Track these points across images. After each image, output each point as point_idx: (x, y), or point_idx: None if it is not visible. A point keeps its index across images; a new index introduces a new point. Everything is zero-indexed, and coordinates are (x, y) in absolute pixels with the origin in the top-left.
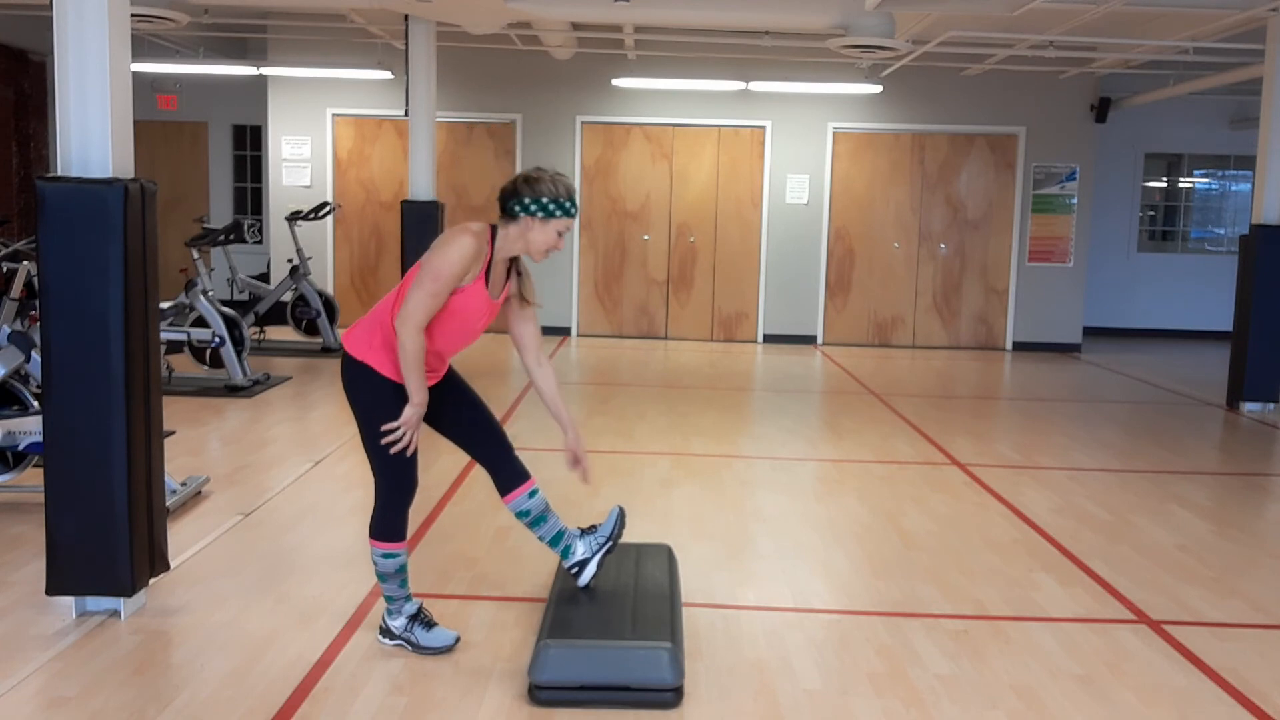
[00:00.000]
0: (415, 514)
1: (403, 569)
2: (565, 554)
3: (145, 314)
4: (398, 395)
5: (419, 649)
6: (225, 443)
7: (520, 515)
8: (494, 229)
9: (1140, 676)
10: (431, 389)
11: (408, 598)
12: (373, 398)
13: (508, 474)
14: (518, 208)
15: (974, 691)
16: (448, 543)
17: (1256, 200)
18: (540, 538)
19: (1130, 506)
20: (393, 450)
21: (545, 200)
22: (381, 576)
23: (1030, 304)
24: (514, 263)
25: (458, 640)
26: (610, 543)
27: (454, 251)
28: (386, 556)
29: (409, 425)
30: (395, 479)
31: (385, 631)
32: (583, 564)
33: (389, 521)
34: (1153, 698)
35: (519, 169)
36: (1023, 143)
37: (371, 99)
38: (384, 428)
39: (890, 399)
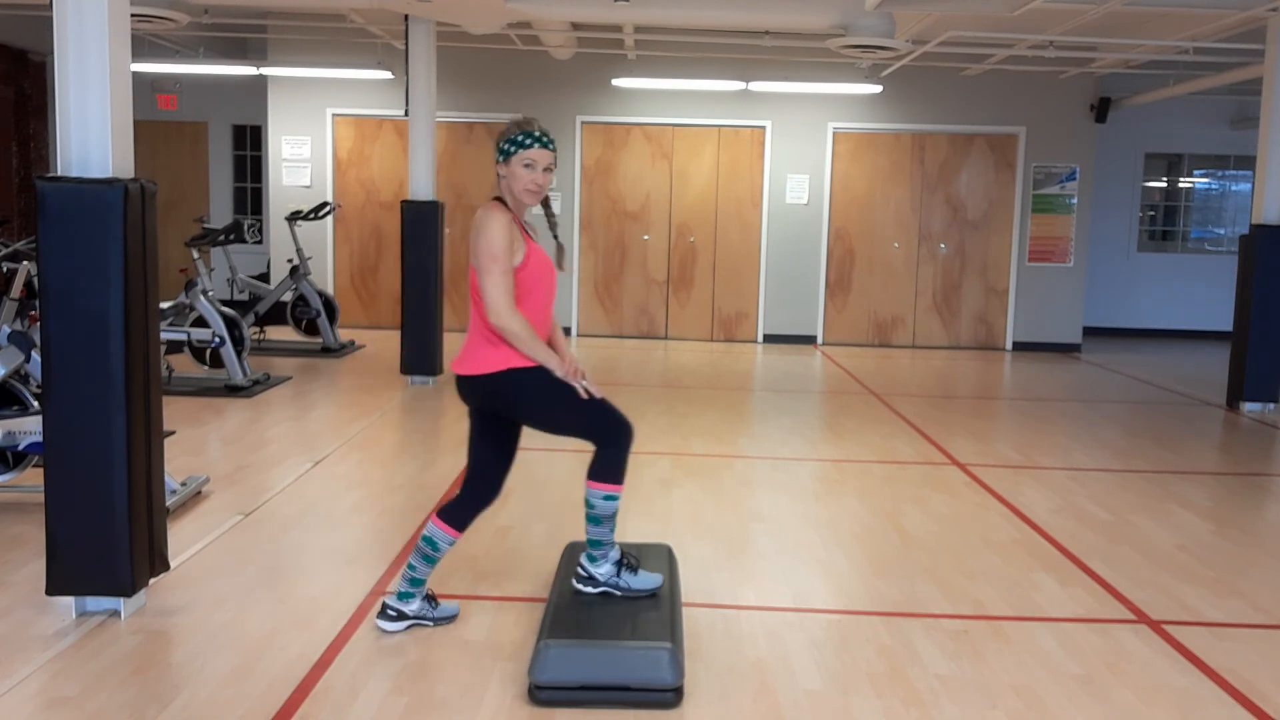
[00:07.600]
0: (415, 514)
1: (616, 514)
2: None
3: (145, 314)
4: (543, 371)
5: (628, 592)
6: (225, 443)
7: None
8: (500, 200)
9: (1140, 676)
10: (485, 426)
11: (613, 544)
12: (533, 389)
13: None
14: (496, 168)
15: (974, 691)
16: None
17: (1256, 200)
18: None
19: (1130, 506)
20: (584, 398)
21: (501, 144)
22: (597, 520)
23: (1030, 304)
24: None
25: (661, 586)
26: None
27: (493, 227)
28: (608, 499)
29: (577, 376)
30: (610, 420)
31: (588, 579)
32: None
33: (619, 464)
34: (1153, 698)
35: None
36: (1023, 143)
37: (371, 99)
38: (572, 387)
39: (890, 399)
